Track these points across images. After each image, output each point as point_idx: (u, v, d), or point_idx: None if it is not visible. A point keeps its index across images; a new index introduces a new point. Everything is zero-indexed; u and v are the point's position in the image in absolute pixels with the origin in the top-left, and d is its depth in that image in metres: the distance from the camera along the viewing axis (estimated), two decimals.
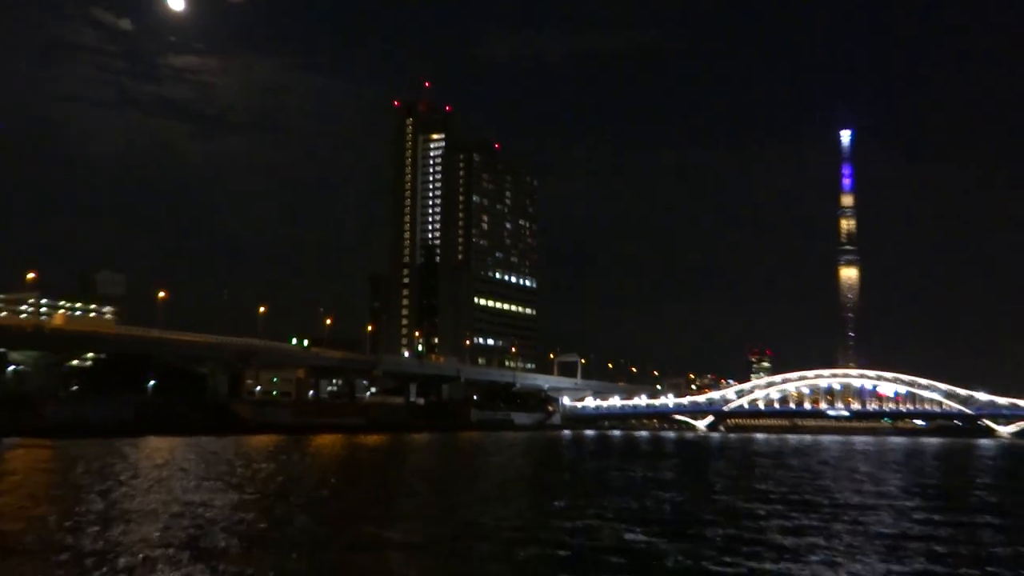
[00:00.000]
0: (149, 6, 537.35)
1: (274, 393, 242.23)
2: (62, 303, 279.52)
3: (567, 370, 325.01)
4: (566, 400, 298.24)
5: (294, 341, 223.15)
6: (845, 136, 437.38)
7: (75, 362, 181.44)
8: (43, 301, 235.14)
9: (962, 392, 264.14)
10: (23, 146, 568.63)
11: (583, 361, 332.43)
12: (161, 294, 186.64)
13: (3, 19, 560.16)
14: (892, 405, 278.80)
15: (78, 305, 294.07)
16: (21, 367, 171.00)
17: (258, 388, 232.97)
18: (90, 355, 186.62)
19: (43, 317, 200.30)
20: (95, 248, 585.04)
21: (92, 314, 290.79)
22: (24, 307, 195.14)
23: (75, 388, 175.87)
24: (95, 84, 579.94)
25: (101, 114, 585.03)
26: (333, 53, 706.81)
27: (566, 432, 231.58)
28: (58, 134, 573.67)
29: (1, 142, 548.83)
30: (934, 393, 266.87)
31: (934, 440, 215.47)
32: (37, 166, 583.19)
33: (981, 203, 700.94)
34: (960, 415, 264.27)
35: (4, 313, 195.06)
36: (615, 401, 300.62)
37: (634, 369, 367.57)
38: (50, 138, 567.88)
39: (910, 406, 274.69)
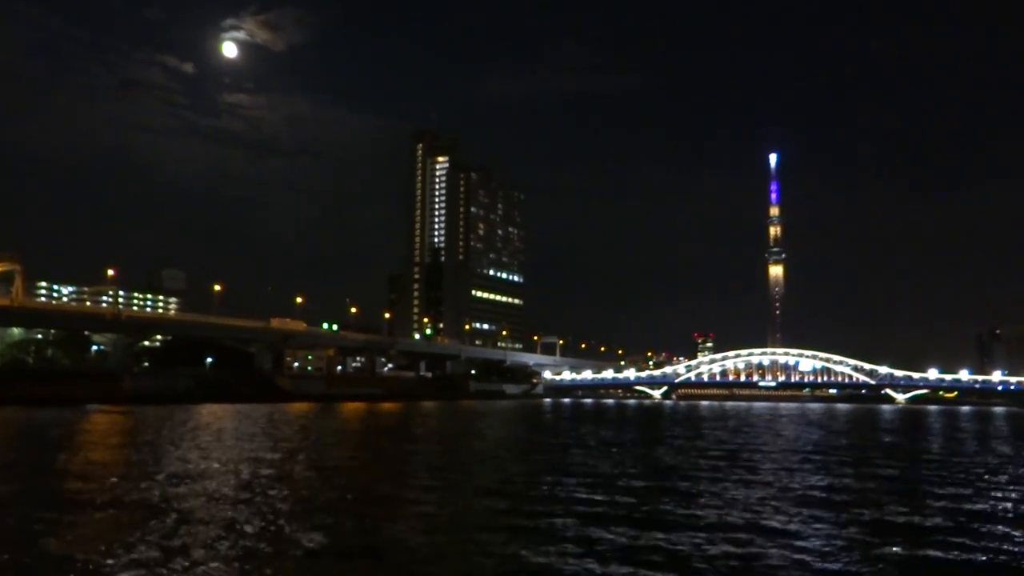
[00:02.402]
0: (209, 53, 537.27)
1: (309, 368, 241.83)
2: (135, 295, 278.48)
3: (548, 349, 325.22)
4: (547, 374, 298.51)
5: (326, 326, 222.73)
6: (772, 159, 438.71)
7: (146, 343, 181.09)
8: (120, 294, 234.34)
9: (867, 366, 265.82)
10: (101, 166, 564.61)
11: (561, 342, 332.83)
12: (217, 287, 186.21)
13: (85, 62, 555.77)
14: (811, 377, 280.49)
15: (148, 297, 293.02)
16: (103, 347, 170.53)
17: (296, 364, 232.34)
18: (158, 337, 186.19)
19: (120, 306, 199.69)
20: (161, 251, 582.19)
21: (159, 305, 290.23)
22: (104, 298, 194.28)
23: (146, 364, 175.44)
24: (162, 116, 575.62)
25: (167, 141, 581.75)
26: (358, 91, 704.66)
27: (547, 400, 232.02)
28: (130, 157, 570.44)
29: (82, 163, 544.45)
30: (845, 367, 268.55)
31: (845, 406, 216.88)
32: (112, 183, 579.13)
33: (884, 211, 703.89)
34: (866, 385, 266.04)
35: (88, 303, 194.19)
36: (587, 375, 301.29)
37: (603, 348, 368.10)
38: (124, 160, 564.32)
39: (825, 378, 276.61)
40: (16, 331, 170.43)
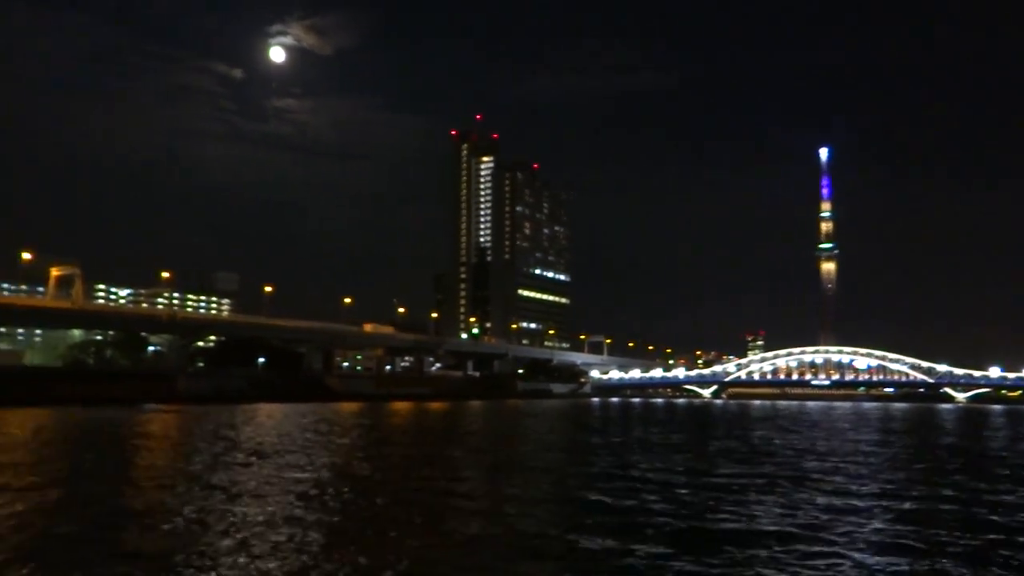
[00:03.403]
0: (257, 59, 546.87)
1: (358, 368, 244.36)
2: (189, 297, 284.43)
3: (595, 348, 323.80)
4: (595, 373, 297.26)
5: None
6: (823, 153, 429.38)
7: (200, 344, 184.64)
8: (175, 296, 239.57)
9: (925, 364, 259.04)
10: (153, 171, 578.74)
11: (608, 341, 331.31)
12: (268, 289, 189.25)
13: (138, 69, 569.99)
14: (866, 376, 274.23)
15: (201, 299, 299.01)
16: (159, 348, 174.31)
17: (345, 364, 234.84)
18: (212, 338, 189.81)
19: (175, 308, 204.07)
20: (213, 253, 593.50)
21: (212, 306, 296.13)
22: (160, 300, 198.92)
23: (200, 365, 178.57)
24: (211, 121, 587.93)
25: (216, 146, 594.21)
26: (403, 93, 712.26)
27: (595, 399, 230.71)
28: (181, 162, 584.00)
29: (135, 168, 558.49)
30: (901, 365, 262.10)
31: (901, 405, 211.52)
32: (164, 188, 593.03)
33: (940, 204, 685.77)
34: (924, 384, 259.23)
35: (145, 305, 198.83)
36: (635, 373, 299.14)
37: (650, 347, 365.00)
38: (175, 165, 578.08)
39: (881, 377, 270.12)
40: (77, 332, 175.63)
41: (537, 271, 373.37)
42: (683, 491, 29.75)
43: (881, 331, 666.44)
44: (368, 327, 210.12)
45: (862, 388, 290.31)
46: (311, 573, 16.98)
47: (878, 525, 23.25)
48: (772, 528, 22.37)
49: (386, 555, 18.58)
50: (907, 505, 27.17)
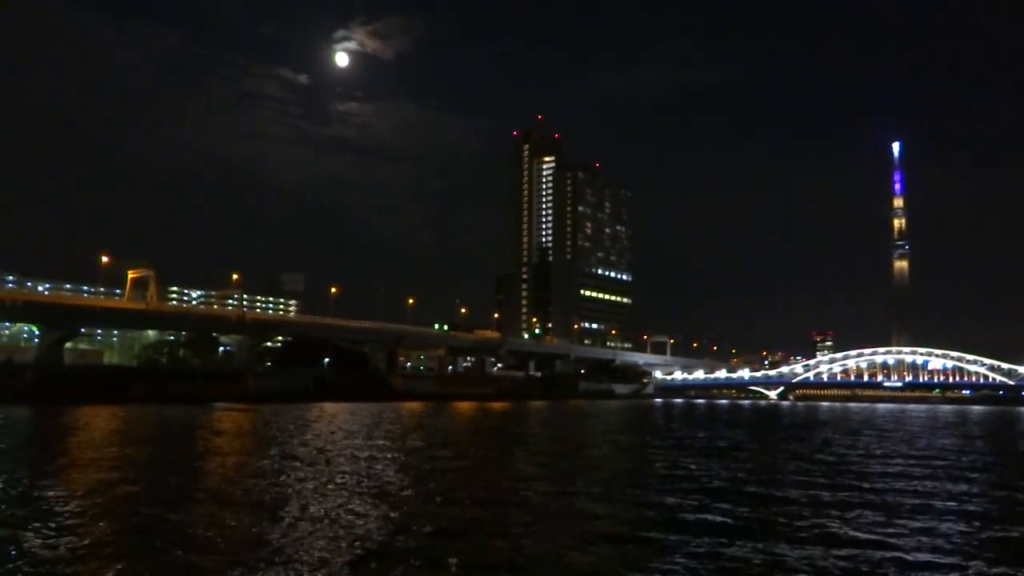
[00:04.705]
0: (321, 64, 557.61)
1: (420, 368, 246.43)
2: (258, 298, 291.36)
3: (658, 349, 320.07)
4: (658, 373, 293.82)
5: (436, 327, 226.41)
6: (895, 148, 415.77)
7: (268, 344, 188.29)
8: (244, 297, 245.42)
9: (1005, 366, 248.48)
10: (221, 176, 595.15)
11: (672, 341, 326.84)
12: (332, 290, 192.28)
13: (207, 77, 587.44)
14: (941, 377, 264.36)
15: (269, 300, 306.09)
16: (228, 348, 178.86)
17: (408, 364, 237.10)
18: (279, 338, 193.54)
19: (244, 309, 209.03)
20: (279, 254, 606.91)
21: (280, 307, 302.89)
22: (230, 302, 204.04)
23: (268, 364, 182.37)
24: (277, 126, 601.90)
25: (282, 150, 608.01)
26: (462, 95, 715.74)
27: (658, 400, 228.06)
28: (248, 166, 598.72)
29: (205, 173, 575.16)
30: (979, 367, 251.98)
31: (979, 408, 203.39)
32: (231, 191, 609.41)
33: (1017, 200, 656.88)
34: (1003, 386, 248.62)
35: (215, 306, 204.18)
36: (699, 374, 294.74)
37: (715, 348, 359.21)
38: (242, 169, 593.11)
39: (957, 378, 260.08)
40: (151, 333, 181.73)
41: (599, 271, 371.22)
42: (755, 504, 28.87)
43: (957, 331, 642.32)
44: (480, 332, 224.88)
45: (937, 390, 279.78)
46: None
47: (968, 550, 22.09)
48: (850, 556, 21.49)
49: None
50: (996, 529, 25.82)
